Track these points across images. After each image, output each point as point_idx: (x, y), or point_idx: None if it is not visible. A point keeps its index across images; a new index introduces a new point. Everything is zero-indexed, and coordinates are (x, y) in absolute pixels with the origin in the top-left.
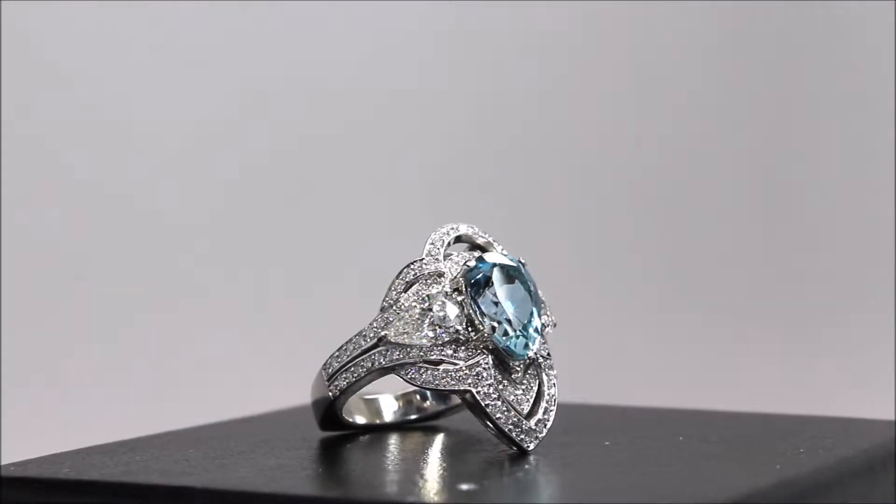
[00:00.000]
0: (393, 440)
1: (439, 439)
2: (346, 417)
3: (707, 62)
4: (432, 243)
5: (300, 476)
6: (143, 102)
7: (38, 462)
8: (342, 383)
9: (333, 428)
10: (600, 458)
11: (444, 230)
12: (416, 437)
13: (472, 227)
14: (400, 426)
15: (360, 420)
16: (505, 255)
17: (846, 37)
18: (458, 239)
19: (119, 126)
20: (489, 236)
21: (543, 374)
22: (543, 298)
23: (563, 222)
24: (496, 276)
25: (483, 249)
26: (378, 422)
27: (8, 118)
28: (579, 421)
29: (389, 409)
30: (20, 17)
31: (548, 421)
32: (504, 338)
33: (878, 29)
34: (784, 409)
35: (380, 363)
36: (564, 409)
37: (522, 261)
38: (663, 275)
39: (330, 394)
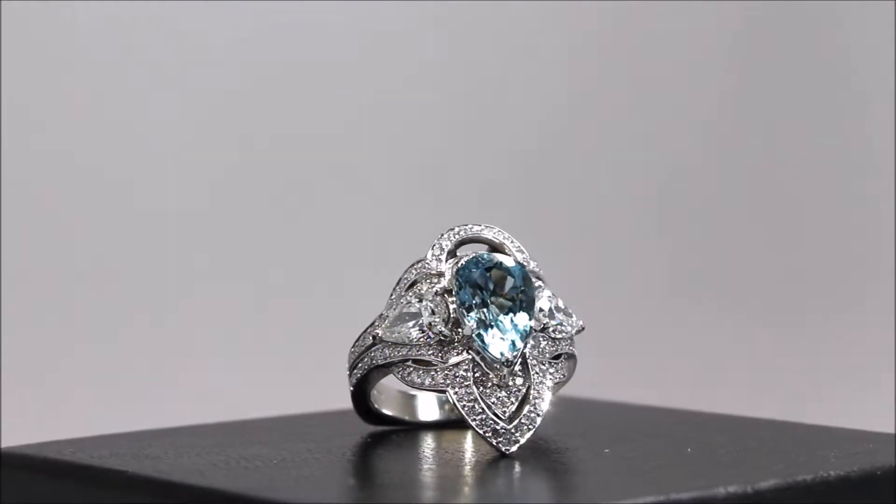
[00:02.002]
0: (398, 441)
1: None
2: (387, 412)
3: (708, 62)
4: (438, 243)
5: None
6: (142, 102)
7: (39, 445)
8: (353, 379)
9: (375, 421)
10: (590, 465)
11: (456, 230)
12: (426, 439)
13: (491, 228)
14: (440, 425)
15: (398, 415)
16: (504, 257)
17: (849, 34)
18: (478, 239)
19: (119, 125)
20: (507, 237)
21: (534, 376)
22: (562, 303)
23: (564, 223)
24: (484, 277)
25: (497, 250)
26: (409, 418)
27: (8, 117)
28: (588, 421)
29: (430, 409)
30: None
31: (530, 425)
32: (483, 340)
33: (880, 27)
34: (784, 414)
35: (376, 361)
36: (578, 408)
37: (524, 262)
38: (664, 279)
39: (351, 388)
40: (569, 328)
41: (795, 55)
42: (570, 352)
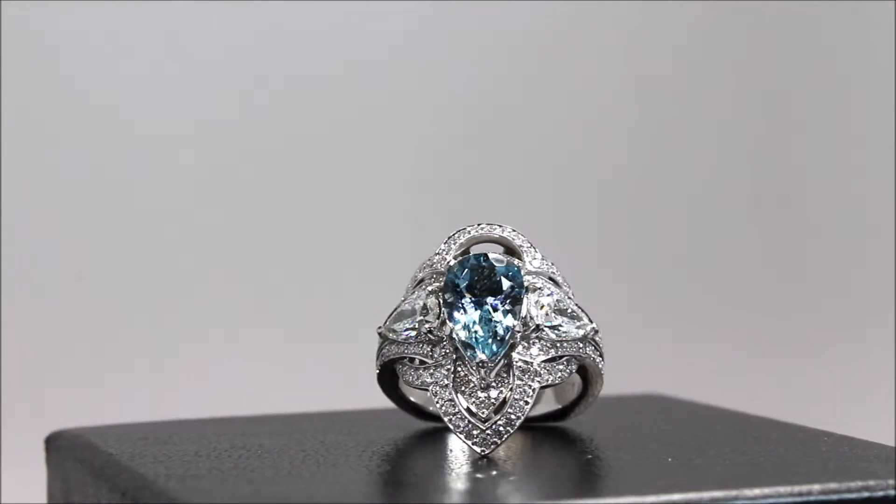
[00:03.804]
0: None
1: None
2: (413, 400)
3: (708, 62)
4: (448, 241)
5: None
6: (143, 101)
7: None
8: (376, 370)
9: (410, 411)
10: (568, 470)
11: (468, 229)
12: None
13: (504, 227)
14: None
15: (423, 404)
16: (499, 257)
17: (851, 32)
18: (489, 239)
19: (119, 125)
20: (519, 236)
21: (517, 379)
22: (569, 305)
23: (562, 224)
24: (473, 277)
25: (510, 250)
26: (433, 408)
27: (7, 117)
28: (588, 419)
29: None
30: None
31: (508, 426)
32: (465, 340)
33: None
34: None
35: (384, 358)
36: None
37: (532, 262)
38: (663, 279)
39: (377, 378)
40: (573, 331)
41: (797, 55)
42: (577, 355)
